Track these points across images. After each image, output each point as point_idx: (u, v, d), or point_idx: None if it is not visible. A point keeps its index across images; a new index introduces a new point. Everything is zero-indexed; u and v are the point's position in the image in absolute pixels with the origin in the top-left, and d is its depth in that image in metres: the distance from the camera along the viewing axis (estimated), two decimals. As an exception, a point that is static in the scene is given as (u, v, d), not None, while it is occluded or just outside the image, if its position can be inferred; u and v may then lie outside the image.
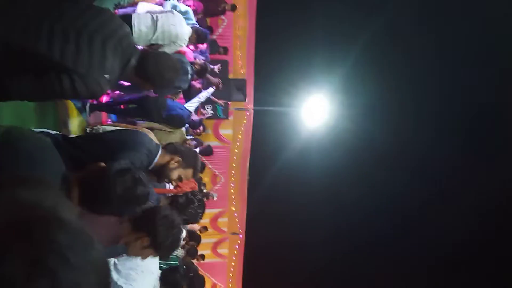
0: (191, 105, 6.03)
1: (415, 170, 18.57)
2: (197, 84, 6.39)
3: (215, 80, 6.58)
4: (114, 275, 2.35)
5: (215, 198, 9.20)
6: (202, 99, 6.42)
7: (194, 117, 6.32)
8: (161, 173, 2.58)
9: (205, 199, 8.54)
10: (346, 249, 19.95)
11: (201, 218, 2.73)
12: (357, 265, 19.71)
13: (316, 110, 10.81)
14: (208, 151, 8.35)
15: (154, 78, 2.20)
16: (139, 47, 4.38)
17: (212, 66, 6.69)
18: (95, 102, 5.13)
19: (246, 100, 9.93)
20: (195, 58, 5.79)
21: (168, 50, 4.51)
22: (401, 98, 16.24)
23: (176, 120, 5.52)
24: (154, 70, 2.15)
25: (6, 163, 1.39)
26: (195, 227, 7.43)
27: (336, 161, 18.42)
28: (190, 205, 2.49)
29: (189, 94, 6.31)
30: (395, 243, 19.41)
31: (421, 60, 15.52)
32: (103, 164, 1.70)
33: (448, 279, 18.92)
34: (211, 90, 6.54)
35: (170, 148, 2.63)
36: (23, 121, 3.58)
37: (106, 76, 1.96)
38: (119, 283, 2.34)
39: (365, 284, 20.18)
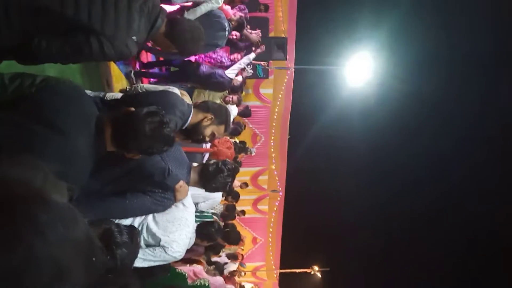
0: (232, 72, 6.04)
1: (464, 130, 17.76)
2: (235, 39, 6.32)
3: (254, 37, 6.48)
4: (153, 227, 2.54)
5: (253, 154, 9.33)
6: (243, 65, 6.38)
7: (235, 82, 6.34)
8: (195, 132, 2.69)
9: (244, 155, 8.76)
10: (386, 212, 19.84)
11: (230, 188, 2.77)
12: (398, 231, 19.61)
13: (360, 69, 10.42)
14: (246, 113, 8.39)
15: (181, 43, 2.27)
16: (177, 4, 4.43)
17: (250, 31, 6.57)
18: (138, 68, 5.27)
19: (287, 59, 9.76)
20: (233, 15, 5.71)
21: (206, 7, 4.52)
22: (450, 55, 15.29)
23: (216, 86, 5.60)
24: (181, 37, 2.20)
25: (46, 104, 1.52)
26: (235, 183, 7.62)
27: (380, 121, 17.97)
28: (220, 174, 2.55)
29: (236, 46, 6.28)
30: (439, 206, 19.05)
31: (473, 17, 14.38)
32: (133, 108, 1.81)
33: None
34: (252, 55, 6.48)
35: (202, 107, 2.72)
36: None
37: (134, 37, 1.99)
38: (157, 234, 2.54)
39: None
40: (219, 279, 5.65)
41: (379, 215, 19.59)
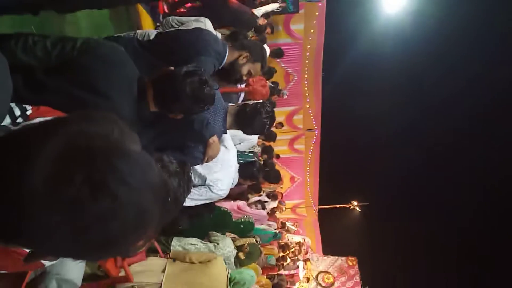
0: (258, 11, 5.93)
1: (499, 55, 16.71)
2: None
3: None
4: (198, 167, 2.59)
5: (285, 97, 9.22)
6: (269, 9, 6.44)
7: (261, 21, 6.26)
8: (232, 71, 2.64)
9: (276, 97, 8.68)
10: (419, 144, 19.47)
11: (268, 130, 2.72)
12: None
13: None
14: (279, 53, 8.13)
15: None
16: None
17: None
18: (166, 11, 5.15)
19: (318, -10, 9.26)
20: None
21: None
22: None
23: (242, 24, 5.45)
24: None
25: (89, 69, 1.54)
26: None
27: (415, 50, 17.12)
28: (258, 116, 2.49)
29: None
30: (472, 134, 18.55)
31: None
32: (172, 68, 1.81)
33: None
34: (276, 5, 6.41)
35: (237, 45, 2.64)
36: (101, 29, 3.77)
37: None
38: (203, 174, 2.60)
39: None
40: (262, 212, 5.85)
41: (416, 146, 19.27)
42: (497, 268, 19.46)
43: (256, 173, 3.48)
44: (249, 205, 5.73)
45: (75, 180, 0.54)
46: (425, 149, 19.23)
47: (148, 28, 4.87)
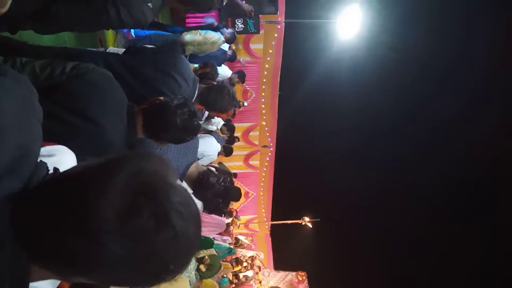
0: (226, 45, 6.05)
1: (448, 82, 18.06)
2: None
3: (247, 8, 6.48)
4: None
5: (246, 104, 9.44)
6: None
7: (229, 53, 6.43)
8: None
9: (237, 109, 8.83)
10: (374, 162, 20.36)
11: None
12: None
13: (351, 22, 10.30)
14: (242, 77, 8.26)
15: (195, 2, 2.31)
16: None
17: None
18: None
19: (278, 13, 9.59)
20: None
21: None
22: (442, 7, 15.20)
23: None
24: None
25: (79, 94, 1.57)
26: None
27: (368, 74, 18.01)
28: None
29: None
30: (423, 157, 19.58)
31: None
32: (162, 98, 1.90)
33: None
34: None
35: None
36: (63, 41, 3.70)
37: (149, 4, 2.03)
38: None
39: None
40: (223, 219, 5.85)
41: (367, 168, 20.12)
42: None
43: (221, 207, 3.56)
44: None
45: (143, 214, 0.61)
46: (374, 169, 20.12)
47: (110, 42, 4.89)
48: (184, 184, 2.72)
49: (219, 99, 2.67)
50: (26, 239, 0.65)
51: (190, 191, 2.80)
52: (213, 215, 5.68)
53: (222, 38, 5.04)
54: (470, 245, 19.81)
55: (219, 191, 2.43)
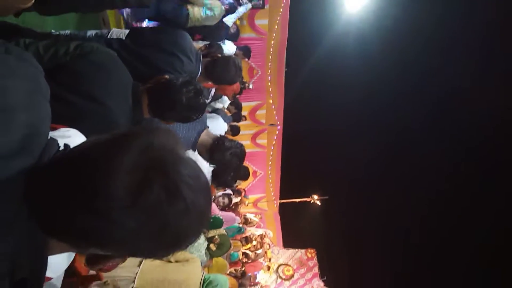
0: (229, 20, 6.02)
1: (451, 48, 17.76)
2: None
3: None
4: None
5: (251, 87, 9.32)
6: (240, 14, 6.69)
7: (232, 30, 6.46)
8: None
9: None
10: (380, 136, 20.23)
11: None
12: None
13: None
14: (247, 52, 8.10)
15: None
16: None
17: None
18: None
19: (283, -14, 9.34)
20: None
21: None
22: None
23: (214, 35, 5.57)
24: None
25: (84, 75, 1.51)
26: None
27: (375, 46, 17.73)
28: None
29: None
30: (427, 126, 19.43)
31: None
32: (167, 76, 1.84)
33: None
34: (249, 6, 6.58)
35: None
36: (66, 22, 3.62)
37: None
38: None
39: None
40: (230, 214, 5.97)
41: (376, 143, 20.00)
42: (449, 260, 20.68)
43: (230, 182, 3.55)
44: (216, 199, 5.78)
45: (154, 188, 0.62)
46: (384, 144, 20.00)
47: (112, 23, 4.77)
48: (198, 157, 2.72)
49: (226, 70, 2.60)
50: (40, 215, 0.66)
51: (203, 162, 2.79)
52: (224, 212, 5.73)
53: (223, 7, 4.94)
54: (481, 213, 19.78)
55: (237, 152, 2.47)
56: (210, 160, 2.61)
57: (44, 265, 0.70)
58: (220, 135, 2.59)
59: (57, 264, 2.13)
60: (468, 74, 17.55)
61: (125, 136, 0.69)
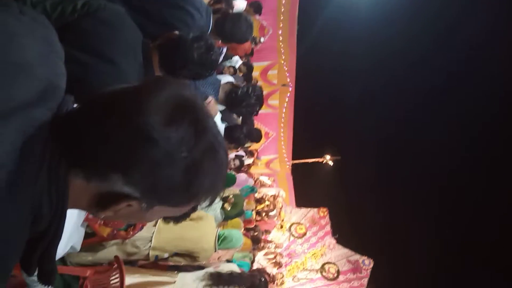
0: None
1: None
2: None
3: None
4: None
5: (262, 40, 9.13)
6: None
7: None
8: None
9: (254, 46, 8.55)
10: (388, 100, 19.91)
11: (256, 113, 2.84)
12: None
13: None
14: (258, 8, 7.88)
15: None
16: None
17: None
18: None
19: None
20: None
21: None
22: None
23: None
24: None
25: (92, 33, 1.49)
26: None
27: (387, 5, 17.10)
28: (247, 99, 2.56)
29: None
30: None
31: None
32: (177, 32, 1.80)
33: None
34: None
35: None
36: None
37: None
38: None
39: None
40: (242, 175, 6.02)
41: (388, 102, 19.73)
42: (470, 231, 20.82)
43: (243, 140, 3.55)
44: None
45: (184, 122, 0.67)
46: (395, 106, 19.72)
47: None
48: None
49: (237, 27, 2.51)
50: (67, 158, 0.68)
51: (217, 120, 2.81)
52: (236, 174, 5.78)
53: None
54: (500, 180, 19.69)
55: (251, 102, 2.53)
56: (231, 107, 2.64)
57: (63, 217, 0.71)
58: (231, 84, 2.59)
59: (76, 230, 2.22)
60: (474, 45, 16.95)
61: (153, 82, 0.73)
